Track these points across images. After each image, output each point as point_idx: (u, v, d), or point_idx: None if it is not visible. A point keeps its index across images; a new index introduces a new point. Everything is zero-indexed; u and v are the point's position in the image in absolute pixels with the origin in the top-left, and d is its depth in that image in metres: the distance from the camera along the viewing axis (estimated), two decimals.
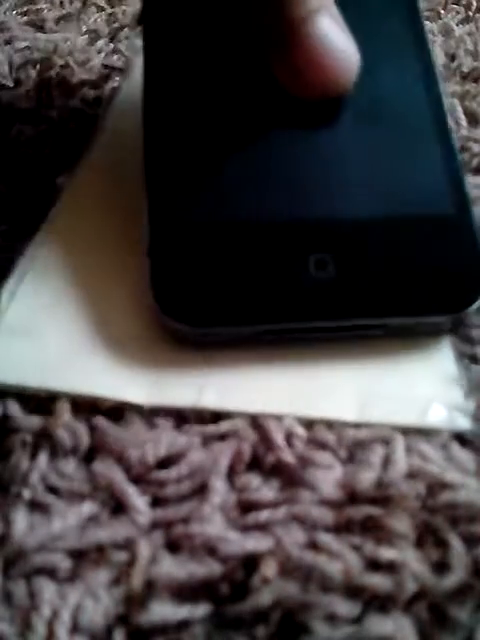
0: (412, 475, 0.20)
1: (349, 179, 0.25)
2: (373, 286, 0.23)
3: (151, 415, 0.21)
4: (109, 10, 0.46)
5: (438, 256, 0.24)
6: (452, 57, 0.40)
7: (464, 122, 0.34)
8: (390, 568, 0.18)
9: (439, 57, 0.40)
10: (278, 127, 0.26)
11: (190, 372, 0.22)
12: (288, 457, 0.20)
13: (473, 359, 0.23)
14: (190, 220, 0.24)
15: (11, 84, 0.38)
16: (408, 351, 0.23)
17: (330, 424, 0.21)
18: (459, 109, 0.35)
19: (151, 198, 0.25)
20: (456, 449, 0.21)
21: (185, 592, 0.18)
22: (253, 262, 0.23)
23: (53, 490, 0.20)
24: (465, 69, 0.39)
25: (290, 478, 0.20)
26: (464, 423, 0.21)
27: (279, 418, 0.21)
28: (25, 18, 0.45)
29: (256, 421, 0.21)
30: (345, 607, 0.17)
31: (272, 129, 0.26)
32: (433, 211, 0.25)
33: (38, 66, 0.39)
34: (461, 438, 0.21)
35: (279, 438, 0.20)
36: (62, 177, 0.30)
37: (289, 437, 0.21)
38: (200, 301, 0.23)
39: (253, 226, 0.24)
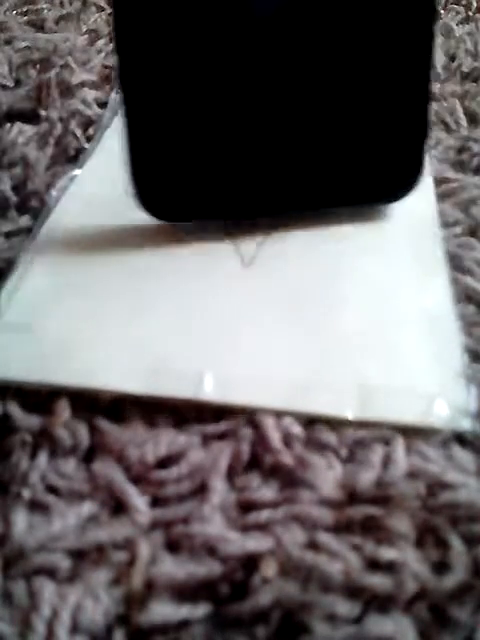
0: (412, 475, 0.20)
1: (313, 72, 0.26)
2: (319, 176, 0.27)
3: (151, 414, 0.21)
4: (109, 10, 0.46)
5: (381, 142, 0.27)
6: (452, 57, 0.41)
7: (464, 122, 0.34)
8: (390, 568, 0.18)
9: (439, 57, 0.40)
10: (248, 46, 0.26)
11: (188, 360, 0.22)
12: (286, 459, 0.20)
13: (476, 357, 0.23)
14: (163, 125, 0.26)
15: (11, 84, 0.38)
16: (412, 347, 0.23)
17: (330, 423, 0.21)
18: (459, 109, 0.35)
19: (128, 108, 0.25)
20: (456, 449, 0.21)
21: (185, 592, 0.18)
22: (218, 159, 0.27)
23: (53, 490, 0.20)
24: (465, 69, 0.39)
25: (290, 478, 0.20)
26: (466, 423, 0.21)
27: (278, 417, 0.21)
28: (25, 18, 0.45)
29: (254, 421, 0.21)
30: (345, 607, 0.17)
31: (242, 48, 0.26)
32: (383, 100, 0.26)
33: (38, 66, 0.39)
34: (461, 438, 0.21)
35: (276, 441, 0.20)
36: (63, 180, 0.30)
37: (287, 438, 0.21)
38: (172, 197, 0.27)
39: (220, 123, 0.26)
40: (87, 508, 0.19)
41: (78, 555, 0.18)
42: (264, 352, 0.23)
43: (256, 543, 0.18)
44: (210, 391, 0.21)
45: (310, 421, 0.21)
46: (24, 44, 0.41)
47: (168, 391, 0.22)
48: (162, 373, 0.22)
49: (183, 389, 0.22)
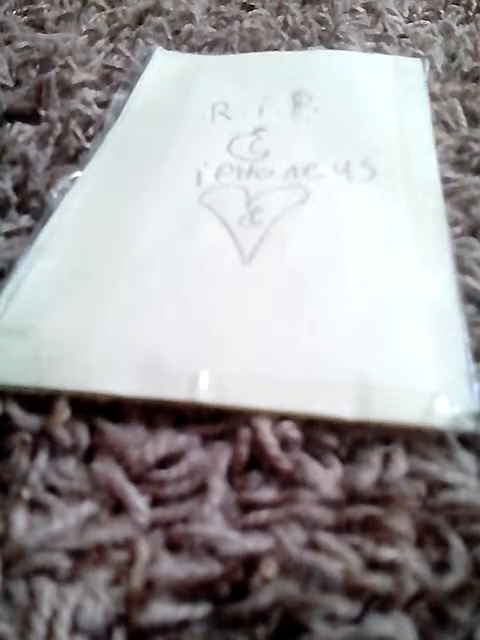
0: (412, 475, 0.20)
1: None
2: None
3: (150, 414, 0.21)
4: (109, 10, 0.47)
5: None
6: (452, 57, 0.41)
7: (464, 122, 0.34)
8: (390, 568, 0.18)
9: (439, 57, 0.40)
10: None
11: (185, 360, 0.22)
12: (284, 465, 0.20)
13: (477, 357, 0.23)
14: None
15: (11, 84, 0.38)
16: (414, 344, 0.23)
17: (330, 423, 0.21)
18: (459, 109, 0.35)
19: None
20: (457, 449, 0.21)
21: (185, 592, 0.18)
22: None
23: (53, 490, 0.20)
24: (465, 69, 0.39)
25: (290, 477, 0.20)
26: (468, 424, 0.21)
27: (275, 421, 0.21)
28: (25, 18, 0.45)
29: (252, 424, 0.21)
30: (345, 607, 0.17)
31: None
32: None
33: (38, 66, 0.39)
34: (462, 438, 0.21)
35: (274, 448, 0.20)
36: (63, 181, 0.30)
37: (285, 443, 0.20)
38: None
39: None
40: (87, 508, 0.19)
41: (78, 555, 0.18)
42: (262, 351, 0.23)
43: (256, 543, 0.18)
44: (206, 392, 0.21)
45: (309, 421, 0.21)
46: (24, 44, 0.41)
47: (163, 393, 0.21)
48: (158, 374, 0.22)
49: (179, 391, 0.21)
